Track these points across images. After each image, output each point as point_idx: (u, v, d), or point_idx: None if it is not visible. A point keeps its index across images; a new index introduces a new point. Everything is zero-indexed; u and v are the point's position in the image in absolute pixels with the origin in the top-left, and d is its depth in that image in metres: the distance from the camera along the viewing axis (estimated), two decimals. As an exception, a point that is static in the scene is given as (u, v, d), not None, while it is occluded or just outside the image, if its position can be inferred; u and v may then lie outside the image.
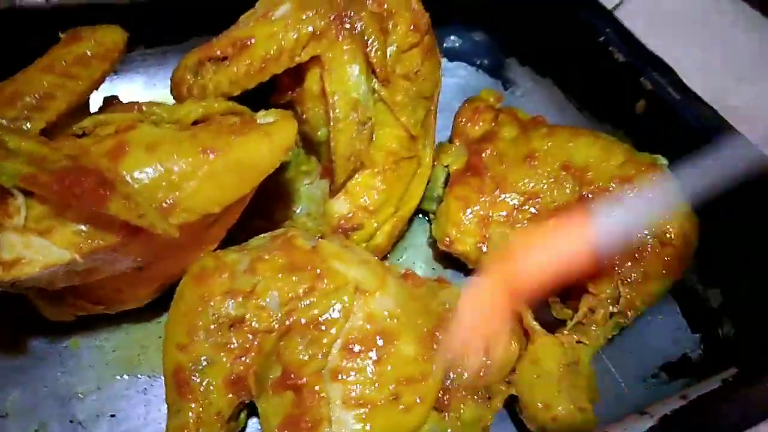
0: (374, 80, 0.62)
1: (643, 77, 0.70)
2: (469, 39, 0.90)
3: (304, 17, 0.59)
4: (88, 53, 0.56)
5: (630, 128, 0.73)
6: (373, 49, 0.61)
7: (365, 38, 0.61)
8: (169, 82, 0.73)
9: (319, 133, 0.64)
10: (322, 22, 0.59)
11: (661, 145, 0.67)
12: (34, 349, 0.59)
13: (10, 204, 0.48)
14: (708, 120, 0.66)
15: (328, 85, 0.60)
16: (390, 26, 0.64)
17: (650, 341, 0.65)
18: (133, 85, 0.75)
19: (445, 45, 0.89)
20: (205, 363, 0.51)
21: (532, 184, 0.65)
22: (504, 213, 0.65)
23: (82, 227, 0.49)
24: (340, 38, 0.60)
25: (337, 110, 0.60)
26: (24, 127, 0.52)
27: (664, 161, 0.65)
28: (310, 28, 0.59)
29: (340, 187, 0.63)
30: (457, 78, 0.88)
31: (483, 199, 0.66)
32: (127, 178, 0.49)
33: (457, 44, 0.90)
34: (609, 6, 0.79)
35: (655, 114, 0.70)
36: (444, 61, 0.88)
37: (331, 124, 0.60)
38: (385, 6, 0.64)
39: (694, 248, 0.61)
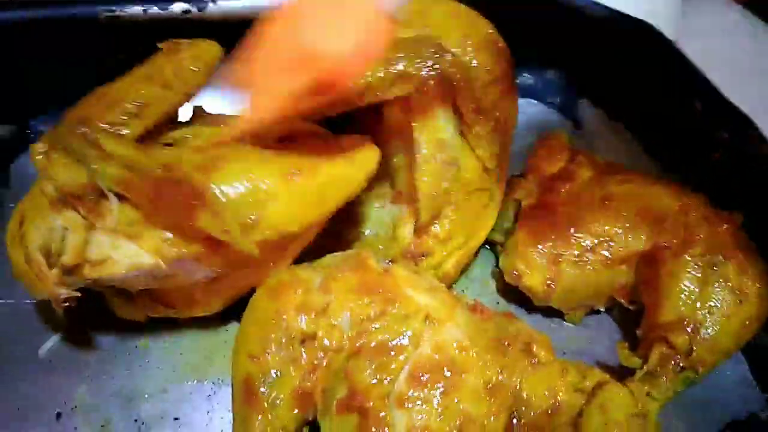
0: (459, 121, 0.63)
1: (721, 128, 0.69)
2: (542, 77, 0.90)
3: (392, 58, 0.61)
4: (187, 66, 0.58)
5: (704, 180, 0.72)
6: (460, 92, 0.62)
7: (452, 81, 0.62)
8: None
9: (395, 159, 0.66)
10: (410, 64, 0.61)
11: (736, 200, 0.66)
12: (103, 346, 0.61)
13: (104, 206, 0.50)
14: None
15: (414, 125, 0.61)
16: (474, 62, 0.65)
17: (717, 396, 0.63)
18: (217, 96, 0.77)
19: (518, 81, 0.89)
20: (275, 375, 0.52)
21: (606, 227, 0.64)
22: (576, 252, 0.64)
23: (169, 235, 0.50)
24: (428, 81, 0.61)
25: (424, 150, 0.61)
26: (122, 132, 0.54)
27: (741, 217, 0.64)
28: (398, 69, 0.60)
29: (426, 226, 0.63)
30: (528, 115, 0.88)
31: (554, 236, 0.65)
32: (217, 192, 0.51)
33: (530, 81, 0.91)
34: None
35: (731, 167, 0.69)
36: (516, 97, 0.89)
37: (416, 164, 0.61)
38: (470, 43, 0.66)
39: (765, 314, 0.60)
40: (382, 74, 0.62)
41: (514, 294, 0.68)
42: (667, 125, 0.78)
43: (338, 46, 0.48)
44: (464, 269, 0.70)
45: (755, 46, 1.07)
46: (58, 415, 0.56)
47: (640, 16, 0.81)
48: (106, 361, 0.60)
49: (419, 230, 0.64)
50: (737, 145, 0.69)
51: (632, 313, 0.66)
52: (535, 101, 0.90)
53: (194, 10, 0.71)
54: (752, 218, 0.65)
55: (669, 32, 0.95)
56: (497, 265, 0.70)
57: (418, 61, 0.62)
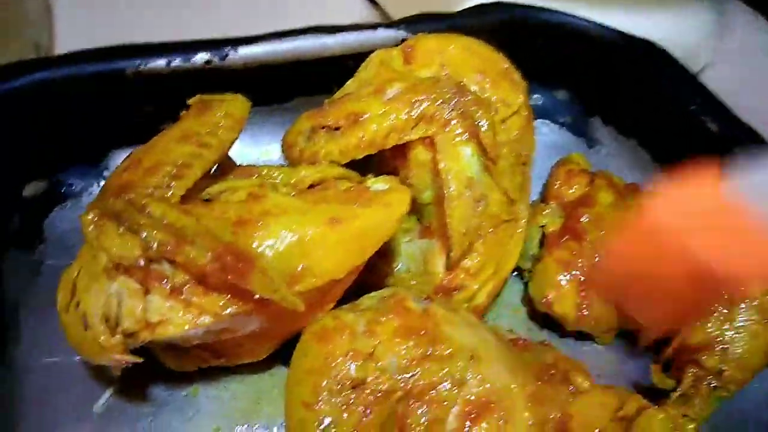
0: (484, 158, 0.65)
1: (738, 148, 0.72)
2: (552, 97, 0.92)
3: (414, 100, 0.63)
4: (220, 124, 0.60)
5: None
6: (482, 130, 0.64)
7: (473, 118, 0.64)
8: (271, 138, 0.78)
9: (423, 196, 0.68)
10: (432, 106, 0.63)
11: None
12: (155, 397, 0.62)
13: (157, 270, 0.52)
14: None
15: (442, 164, 0.63)
16: (493, 98, 0.68)
17: (746, 410, 0.65)
18: (239, 142, 0.78)
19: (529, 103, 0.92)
20: (328, 422, 0.53)
21: (631, 252, 0.66)
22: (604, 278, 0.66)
23: (222, 295, 0.52)
24: (452, 121, 0.63)
25: (452, 188, 0.63)
26: (166, 195, 0.56)
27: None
28: (421, 111, 0.63)
29: (458, 262, 0.65)
30: (541, 135, 0.90)
31: (581, 263, 0.68)
32: (262, 249, 0.53)
33: (540, 102, 0.92)
34: (696, 68, 0.80)
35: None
36: (528, 118, 0.91)
37: (446, 202, 0.63)
38: (488, 79, 0.68)
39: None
40: (405, 117, 0.64)
41: (544, 319, 0.70)
42: (682, 143, 0.80)
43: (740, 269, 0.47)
44: (495, 298, 0.72)
45: None
46: (117, 469, 0.58)
47: (672, 39, 0.83)
48: (159, 411, 0.61)
49: (451, 266, 0.66)
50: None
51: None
52: (548, 121, 0.92)
53: (216, 59, 0.73)
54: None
55: (703, 56, 0.98)
56: (526, 292, 0.72)
57: (440, 101, 0.64)
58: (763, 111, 0.89)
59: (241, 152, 0.74)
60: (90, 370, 0.63)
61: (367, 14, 1.07)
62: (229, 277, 0.50)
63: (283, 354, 0.60)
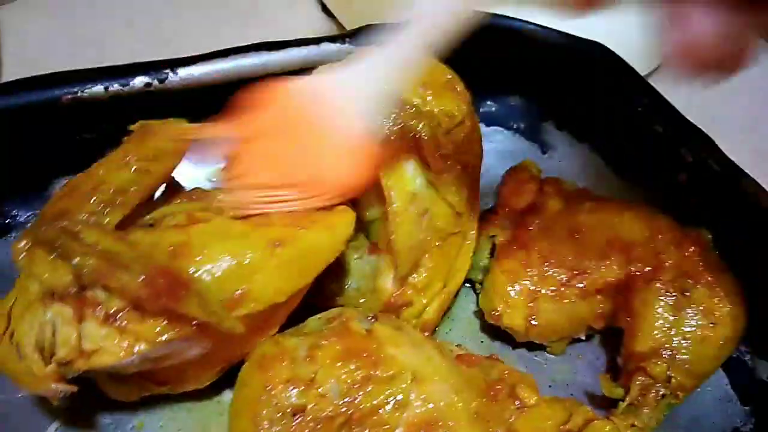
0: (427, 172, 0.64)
1: (683, 148, 0.71)
2: (505, 103, 0.92)
3: None
4: (161, 148, 0.59)
5: (671, 198, 0.74)
6: (424, 142, 0.63)
7: (415, 132, 0.63)
8: (218, 160, 0.77)
9: (367, 213, 0.67)
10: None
11: (704, 217, 0.69)
12: (101, 430, 0.61)
13: (91, 297, 0.51)
14: (749, 192, 0.67)
15: (384, 181, 0.62)
16: (435, 110, 0.67)
17: (699, 414, 0.65)
18: (185, 163, 0.78)
19: (481, 110, 0.91)
20: (270, 452, 0.53)
21: (578, 260, 0.66)
22: (552, 288, 0.66)
23: (158, 321, 0.51)
24: (391, 135, 0.62)
25: (395, 204, 0.62)
26: (102, 221, 0.55)
27: (708, 236, 0.66)
28: None
29: (405, 278, 0.65)
30: (495, 143, 0.90)
31: (530, 273, 0.67)
32: (200, 273, 0.52)
33: (493, 108, 0.92)
34: (645, 70, 0.80)
35: (697, 186, 0.71)
36: (481, 126, 0.90)
37: (390, 218, 0.63)
38: (429, 92, 0.67)
39: (743, 327, 0.62)
40: (346, 134, 0.63)
41: (496, 331, 0.70)
42: (633, 146, 0.80)
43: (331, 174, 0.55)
44: (446, 312, 0.71)
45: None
46: (62, 506, 0.56)
47: (626, 39, 0.83)
48: (105, 445, 0.60)
49: (398, 282, 0.65)
50: (700, 165, 0.71)
51: (613, 340, 0.68)
52: (501, 128, 0.91)
53: (155, 82, 0.71)
54: (720, 236, 0.67)
55: (657, 54, 0.97)
56: (478, 304, 0.72)
57: (380, 116, 0.63)
58: (718, 109, 0.90)
59: (188, 174, 0.73)
60: (35, 405, 0.61)
61: (325, 27, 1.06)
62: (163, 301, 0.49)
63: (228, 379, 0.59)
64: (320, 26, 1.07)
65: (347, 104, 0.55)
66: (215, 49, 0.74)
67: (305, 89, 0.57)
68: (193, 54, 0.74)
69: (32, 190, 0.75)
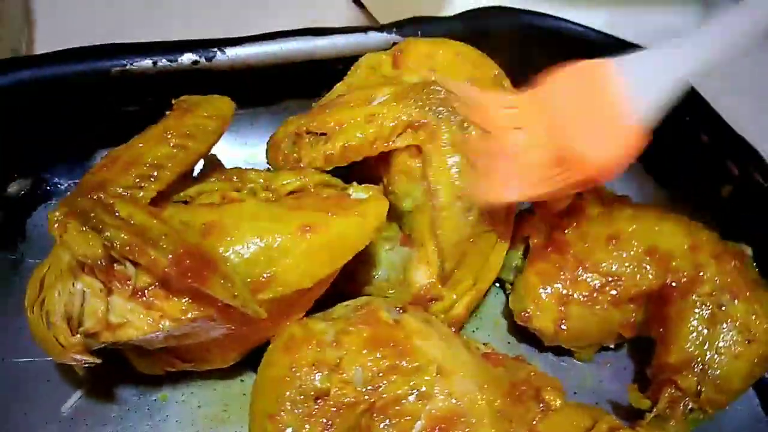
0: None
1: (729, 161, 0.70)
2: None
3: (401, 107, 0.62)
4: (200, 125, 0.59)
5: (714, 211, 0.72)
6: (472, 141, 0.62)
7: (462, 127, 0.62)
8: (258, 141, 0.78)
9: (403, 204, 0.66)
10: (420, 113, 0.62)
11: (747, 232, 0.67)
12: (124, 400, 0.62)
13: (121, 271, 0.52)
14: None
15: (430, 175, 0.62)
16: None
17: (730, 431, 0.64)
18: (227, 143, 0.78)
19: (522, 110, 0.90)
20: (290, 433, 0.53)
21: (614, 267, 0.65)
22: (585, 293, 0.65)
23: (184, 299, 0.52)
24: (440, 129, 0.62)
25: (441, 199, 0.62)
26: (137, 195, 0.55)
27: (749, 251, 0.65)
28: (406, 118, 0.62)
29: (451, 273, 0.64)
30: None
31: (563, 276, 0.66)
32: (229, 254, 0.52)
33: (536, 110, 0.91)
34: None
35: (741, 199, 0.70)
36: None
37: (436, 213, 0.62)
38: (477, 84, 0.67)
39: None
40: (392, 124, 0.63)
41: (524, 333, 0.69)
42: (676, 156, 0.78)
43: (598, 154, 0.56)
44: (474, 310, 0.70)
45: None
46: (82, 471, 0.57)
47: (659, 38, 0.81)
48: (127, 415, 0.61)
49: (444, 277, 0.65)
50: (745, 179, 0.69)
51: (642, 350, 0.66)
52: (541, 131, 0.90)
53: (203, 60, 0.72)
54: (762, 253, 0.65)
55: None
56: (508, 304, 0.71)
57: (427, 108, 0.63)
58: (750, 113, 0.87)
59: (228, 154, 0.73)
60: (61, 371, 0.62)
61: (354, 17, 1.06)
62: (189, 280, 0.49)
63: (253, 361, 0.59)
64: (350, 16, 1.07)
65: (635, 89, 0.57)
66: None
67: (595, 70, 0.60)
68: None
69: (75, 160, 0.76)
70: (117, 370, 0.62)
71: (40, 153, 0.74)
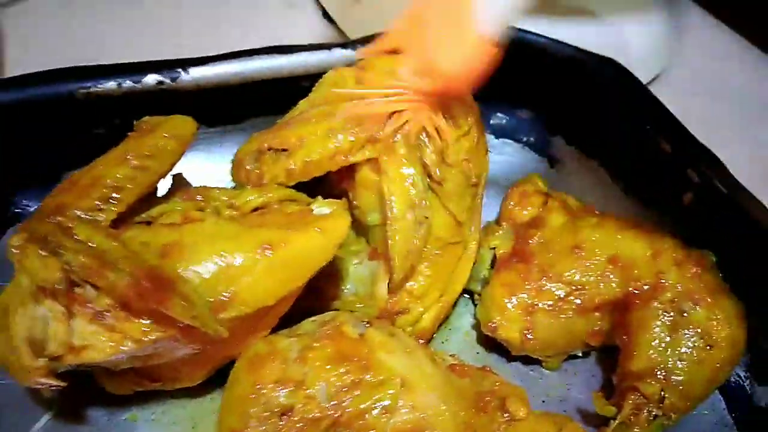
0: (428, 179, 0.64)
1: (690, 169, 0.71)
2: (515, 117, 0.92)
3: (361, 122, 0.62)
4: (161, 145, 0.60)
5: (677, 217, 0.73)
6: (428, 151, 0.63)
7: (419, 141, 0.63)
8: (226, 158, 0.78)
9: (368, 218, 0.67)
10: (378, 127, 0.62)
11: (710, 238, 0.68)
12: (94, 421, 0.62)
13: (82, 294, 0.52)
14: (755, 215, 0.66)
15: (385, 186, 0.63)
16: (440, 120, 0.67)
17: (697, 436, 0.64)
18: (196, 161, 0.78)
19: (491, 122, 0.91)
20: (256, 451, 0.53)
21: (578, 276, 0.66)
22: (550, 302, 0.66)
23: (145, 321, 0.52)
24: (396, 143, 0.62)
25: (395, 210, 0.63)
26: (97, 218, 0.55)
27: (712, 257, 0.65)
28: (366, 133, 0.63)
29: (400, 284, 0.65)
30: (504, 155, 0.90)
31: (529, 286, 0.67)
32: (188, 273, 0.52)
33: (504, 121, 0.92)
34: (645, 79, 0.80)
35: (702, 206, 0.70)
36: (491, 138, 0.91)
37: (388, 224, 0.63)
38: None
39: (741, 351, 0.61)
40: (352, 138, 0.64)
41: (493, 343, 0.69)
42: (641, 164, 0.79)
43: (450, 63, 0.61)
44: (443, 321, 0.71)
45: (747, 71, 1.10)
46: (51, 495, 0.57)
47: (628, 46, 0.83)
48: (98, 436, 0.61)
49: (393, 288, 0.66)
50: (706, 186, 0.70)
51: (610, 358, 0.67)
52: (510, 141, 0.91)
53: (167, 80, 0.73)
54: (725, 259, 0.66)
55: (658, 60, 0.98)
56: (476, 315, 0.71)
57: (386, 123, 0.64)
58: (718, 116, 0.89)
59: (197, 173, 0.73)
60: (28, 394, 0.62)
61: (324, 32, 1.07)
62: (148, 302, 0.49)
63: (221, 379, 0.59)
64: (320, 32, 1.09)
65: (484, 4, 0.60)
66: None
67: None
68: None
69: (44, 182, 0.76)
70: (85, 391, 0.62)
71: (8, 176, 0.75)
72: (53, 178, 0.76)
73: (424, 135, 0.64)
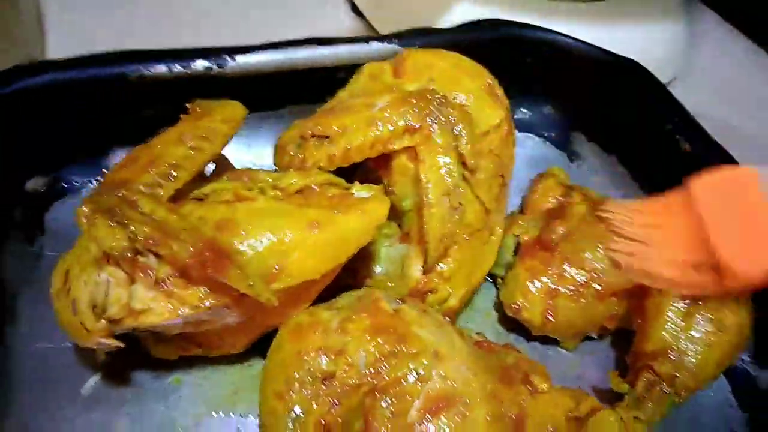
0: (463, 168, 0.68)
1: (707, 168, 0.74)
2: (538, 112, 0.96)
3: (400, 112, 0.67)
4: (214, 128, 0.64)
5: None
6: (463, 142, 0.67)
7: (455, 131, 0.67)
8: (265, 143, 0.82)
9: (403, 203, 0.71)
10: (417, 117, 0.66)
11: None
12: (140, 383, 0.66)
13: (143, 262, 0.56)
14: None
15: (422, 173, 0.67)
16: (475, 112, 0.71)
17: (701, 416, 0.69)
18: (235, 145, 0.82)
19: (515, 116, 0.95)
20: (299, 411, 0.57)
21: (598, 264, 0.70)
22: (571, 287, 0.70)
23: (202, 288, 0.56)
24: (434, 132, 0.66)
25: (431, 196, 0.67)
26: (157, 193, 0.60)
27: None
28: (404, 122, 0.67)
29: (433, 265, 0.69)
30: (526, 148, 0.94)
31: (551, 272, 0.71)
32: (242, 248, 0.57)
33: (527, 116, 0.96)
34: (666, 79, 0.84)
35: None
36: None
37: (424, 209, 0.67)
38: (471, 95, 0.72)
39: (748, 336, 0.65)
40: (391, 127, 0.67)
41: (513, 324, 0.74)
42: (659, 162, 0.83)
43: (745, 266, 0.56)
44: (468, 302, 0.75)
45: (759, 75, 1.13)
46: (102, 448, 0.61)
47: (644, 51, 0.86)
48: (143, 397, 0.65)
49: (428, 269, 0.70)
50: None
51: (624, 340, 0.71)
52: (533, 135, 0.96)
53: (215, 67, 0.77)
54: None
55: (674, 65, 1.01)
56: (498, 298, 0.76)
57: (424, 113, 0.68)
58: (733, 121, 0.92)
59: (236, 156, 0.78)
60: (79, 356, 0.67)
61: (355, 27, 1.11)
62: (208, 271, 0.53)
63: (261, 348, 0.63)
64: (349, 25, 1.12)
65: None
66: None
67: (743, 179, 0.59)
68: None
69: (89, 159, 0.81)
70: (132, 355, 0.66)
71: (57, 152, 0.79)
72: (100, 156, 0.81)
73: (459, 126, 0.68)
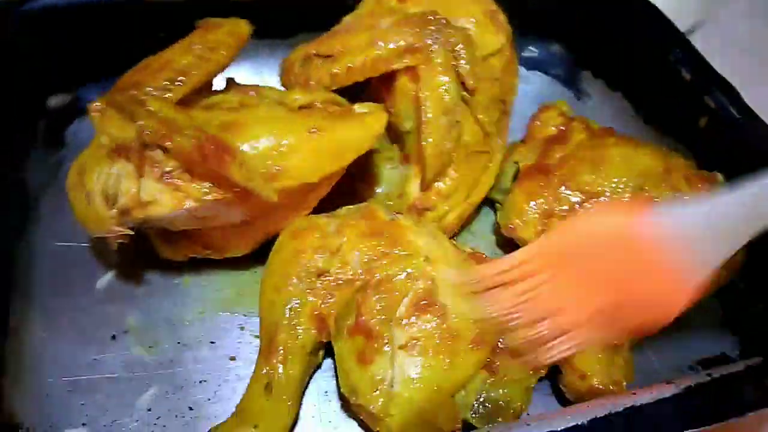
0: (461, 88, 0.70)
1: (707, 96, 0.76)
2: (546, 50, 0.98)
3: (402, 31, 0.69)
4: (221, 40, 0.67)
5: (692, 144, 0.79)
6: (463, 62, 0.69)
7: (455, 52, 0.69)
8: (274, 71, 0.84)
9: (404, 124, 0.73)
10: (418, 38, 0.68)
11: (721, 162, 0.73)
12: (150, 282, 0.70)
13: (151, 156, 0.59)
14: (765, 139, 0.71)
15: (421, 92, 0.69)
16: (476, 35, 0.73)
17: (691, 337, 0.70)
18: (244, 70, 0.85)
19: (523, 54, 0.96)
20: (296, 303, 0.60)
21: (593, 186, 0.71)
22: (566, 208, 0.71)
23: (206, 182, 0.59)
24: (434, 52, 0.68)
25: (429, 114, 0.69)
26: (165, 96, 0.63)
27: (721, 178, 0.71)
28: (405, 42, 0.69)
29: (431, 182, 0.71)
30: (533, 85, 0.95)
31: (547, 194, 0.73)
32: (245, 147, 0.60)
33: (535, 54, 0.98)
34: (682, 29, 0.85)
35: (716, 131, 0.76)
36: (522, 69, 0.95)
37: (423, 126, 0.69)
38: (473, 17, 0.73)
39: (741, 261, 0.67)
40: (392, 47, 0.70)
41: (511, 247, 0.75)
42: (661, 94, 0.84)
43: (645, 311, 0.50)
44: (467, 224, 0.78)
45: None
46: (113, 336, 0.65)
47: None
48: (153, 293, 0.69)
49: (424, 186, 0.72)
50: (720, 111, 0.75)
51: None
52: (540, 73, 0.97)
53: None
54: (732, 180, 0.71)
55: (689, 15, 1.01)
56: (496, 222, 0.78)
57: (425, 34, 0.70)
58: (753, 72, 0.92)
59: (246, 80, 0.79)
60: (95, 254, 0.71)
61: None
62: (210, 164, 0.57)
63: (264, 254, 0.66)
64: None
65: (682, 244, 0.49)
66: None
67: (628, 227, 0.51)
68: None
69: (107, 79, 0.83)
70: (143, 256, 0.70)
71: (79, 72, 0.82)
72: (118, 75, 0.84)
73: (460, 46, 0.70)
